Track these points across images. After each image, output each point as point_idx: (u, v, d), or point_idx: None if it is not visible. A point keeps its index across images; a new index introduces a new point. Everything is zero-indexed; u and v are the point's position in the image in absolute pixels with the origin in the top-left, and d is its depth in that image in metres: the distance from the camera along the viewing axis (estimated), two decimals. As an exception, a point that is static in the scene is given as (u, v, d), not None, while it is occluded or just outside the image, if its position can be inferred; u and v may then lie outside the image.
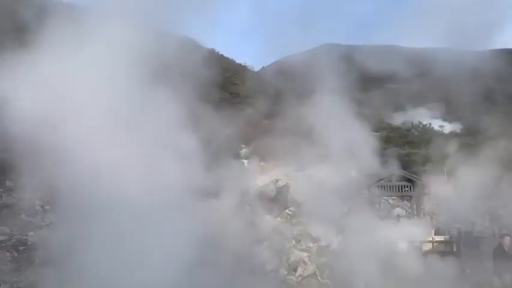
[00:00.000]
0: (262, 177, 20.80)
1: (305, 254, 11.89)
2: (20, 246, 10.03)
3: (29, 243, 10.02)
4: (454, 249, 11.92)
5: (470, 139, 41.93)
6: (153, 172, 10.22)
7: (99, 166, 8.78)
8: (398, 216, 15.22)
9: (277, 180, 17.08)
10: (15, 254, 9.74)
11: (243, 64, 33.50)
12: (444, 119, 36.17)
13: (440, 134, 32.54)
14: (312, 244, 12.56)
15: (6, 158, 12.54)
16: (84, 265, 7.94)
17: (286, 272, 11.18)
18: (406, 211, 17.24)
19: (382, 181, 21.68)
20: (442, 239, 12.89)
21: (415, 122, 31.36)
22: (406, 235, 11.93)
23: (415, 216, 15.94)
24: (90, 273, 7.52)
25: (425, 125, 31.47)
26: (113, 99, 8.70)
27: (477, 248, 10.71)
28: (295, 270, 11.22)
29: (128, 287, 7.71)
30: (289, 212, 15.97)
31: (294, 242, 12.80)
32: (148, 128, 9.74)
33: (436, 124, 34.71)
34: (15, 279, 8.81)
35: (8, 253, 9.69)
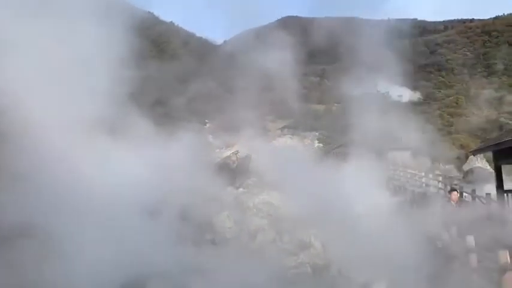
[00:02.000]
0: (225, 150, 20.89)
1: (265, 222, 12.06)
2: None
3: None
4: (408, 209, 12.36)
5: (427, 107, 43.21)
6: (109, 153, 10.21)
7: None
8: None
9: (237, 152, 17.17)
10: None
11: (204, 38, 32.90)
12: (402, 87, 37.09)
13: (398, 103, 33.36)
14: (272, 212, 12.74)
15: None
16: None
17: (246, 239, 11.32)
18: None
19: (340, 148, 22.16)
20: (397, 200, 13.37)
21: (374, 91, 32.03)
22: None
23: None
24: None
25: (384, 93, 32.17)
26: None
27: (428, 206, 11.15)
28: (255, 237, 11.37)
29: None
30: (251, 183, 16.13)
31: (254, 211, 12.95)
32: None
33: (395, 93, 35.54)
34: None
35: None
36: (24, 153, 8.04)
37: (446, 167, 25.45)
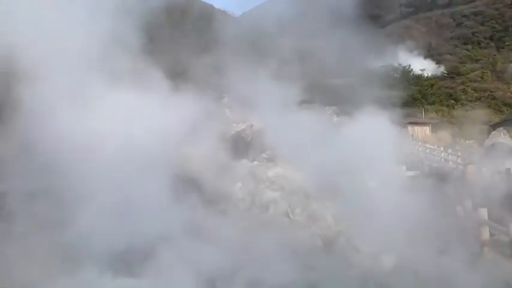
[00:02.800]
0: (241, 124, 20.81)
1: (277, 194, 12.06)
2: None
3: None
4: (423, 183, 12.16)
5: (451, 82, 42.06)
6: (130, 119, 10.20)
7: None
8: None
9: (252, 125, 17.05)
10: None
11: (222, 9, 32.49)
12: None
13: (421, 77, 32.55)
14: (285, 185, 12.72)
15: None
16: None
17: (258, 211, 11.37)
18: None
19: (357, 122, 21.74)
20: (413, 174, 13.16)
21: (395, 64, 31.26)
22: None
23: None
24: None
25: (405, 67, 31.37)
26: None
27: (445, 180, 10.95)
28: (267, 209, 11.41)
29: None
30: (265, 156, 16.09)
31: (267, 183, 12.95)
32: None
33: (417, 67, 34.66)
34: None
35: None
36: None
37: (468, 142, 24.89)
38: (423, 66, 36.84)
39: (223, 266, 7.47)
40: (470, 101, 40.79)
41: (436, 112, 28.74)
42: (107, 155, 8.87)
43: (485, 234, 6.85)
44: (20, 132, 8.74)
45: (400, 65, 31.12)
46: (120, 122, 9.56)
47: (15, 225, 8.03)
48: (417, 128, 24.83)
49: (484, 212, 6.97)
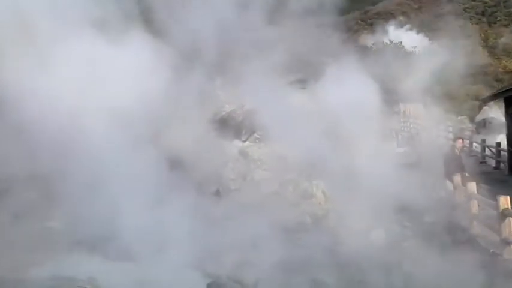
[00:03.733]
0: (233, 104, 20.70)
1: (269, 173, 12.05)
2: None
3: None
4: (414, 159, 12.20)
5: (442, 58, 41.80)
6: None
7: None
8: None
9: (243, 106, 16.95)
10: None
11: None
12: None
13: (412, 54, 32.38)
14: (276, 164, 12.70)
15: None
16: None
17: (250, 191, 11.36)
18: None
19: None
20: (403, 151, 13.20)
21: (386, 41, 31.07)
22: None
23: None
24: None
25: (396, 43, 31.18)
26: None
27: (434, 155, 10.95)
28: (259, 188, 11.39)
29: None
30: (258, 136, 16.06)
31: (259, 163, 12.93)
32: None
33: (408, 43, 34.42)
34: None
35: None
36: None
37: (459, 118, 24.93)
38: (415, 43, 36.61)
39: (213, 246, 7.47)
40: (462, 76, 40.68)
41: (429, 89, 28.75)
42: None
43: (474, 208, 6.88)
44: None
45: (391, 41, 30.96)
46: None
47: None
48: (409, 105, 24.76)
49: (472, 186, 6.99)
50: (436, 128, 17.68)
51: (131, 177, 8.80)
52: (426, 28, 43.04)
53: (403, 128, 19.11)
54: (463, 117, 25.14)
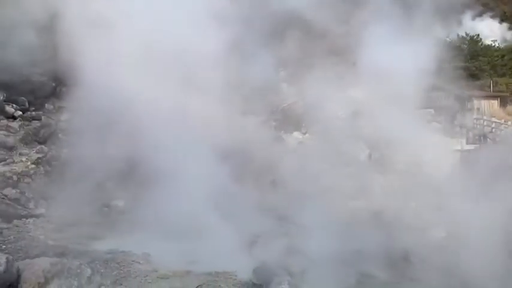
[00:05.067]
0: (296, 97, 20.66)
1: (328, 166, 11.93)
2: (53, 161, 10.72)
3: (62, 159, 10.70)
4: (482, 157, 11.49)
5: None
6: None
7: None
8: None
9: (304, 98, 16.85)
10: (49, 168, 10.42)
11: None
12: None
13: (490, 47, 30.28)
14: (334, 157, 12.55)
15: (46, 82, 13.25)
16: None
17: (308, 183, 11.33)
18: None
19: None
20: (472, 148, 12.49)
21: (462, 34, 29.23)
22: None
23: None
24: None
25: (473, 37, 29.27)
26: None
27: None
28: (317, 181, 11.33)
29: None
30: (318, 129, 15.91)
31: (317, 156, 12.84)
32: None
33: (488, 36, 32.21)
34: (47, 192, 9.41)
35: (42, 167, 10.39)
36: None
37: (541, 117, 23.03)
38: (496, 35, 34.01)
39: (265, 233, 7.59)
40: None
41: (507, 85, 26.72)
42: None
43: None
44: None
45: (467, 34, 29.11)
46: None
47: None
48: (484, 102, 23.28)
49: None
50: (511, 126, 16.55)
51: (191, 165, 9.18)
52: (508, 20, 40.00)
53: (475, 126, 18.05)
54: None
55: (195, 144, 9.61)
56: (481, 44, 29.34)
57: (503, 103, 23.68)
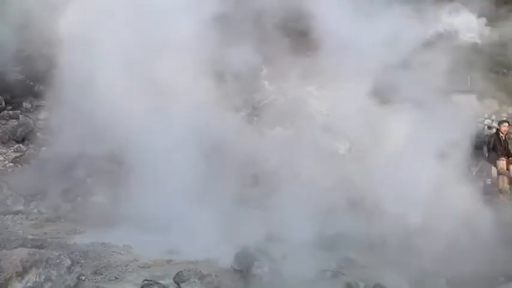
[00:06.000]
0: (280, 95, 20.77)
1: (310, 160, 12.04)
2: (31, 159, 10.65)
3: (40, 157, 10.64)
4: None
5: (503, 49, 39.48)
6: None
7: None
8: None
9: (287, 94, 17.01)
10: (27, 167, 10.35)
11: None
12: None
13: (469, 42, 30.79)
14: (318, 151, 12.67)
15: (24, 80, 13.15)
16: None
17: (290, 177, 11.42)
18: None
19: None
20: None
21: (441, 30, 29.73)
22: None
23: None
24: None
25: (451, 33, 29.78)
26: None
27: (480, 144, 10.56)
28: (299, 175, 11.42)
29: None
30: (301, 124, 16.03)
31: (300, 150, 12.95)
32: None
33: (466, 32, 32.73)
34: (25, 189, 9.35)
35: (20, 166, 10.31)
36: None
37: (515, 110, 23.57)
38: (472, 32, 34.52)
39: (246, 222, 7.65)
40: (524, 68, 38.29)
41: (484, 80, 27.32)
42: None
43: (502, 183, 6.76)
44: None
45: (445, 31, 29.56)
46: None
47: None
48: (462, 97, 23.78)
49: (502, 163, 6.84)
50: (488, 119, 16.95)
51: (171, 160, 9.17)
52: (486, 17, 40.82)
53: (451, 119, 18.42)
54: (519, 109, 23.70)
55: (176, 139, 9.65)
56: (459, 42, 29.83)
57: (481, 97, 24.22)
